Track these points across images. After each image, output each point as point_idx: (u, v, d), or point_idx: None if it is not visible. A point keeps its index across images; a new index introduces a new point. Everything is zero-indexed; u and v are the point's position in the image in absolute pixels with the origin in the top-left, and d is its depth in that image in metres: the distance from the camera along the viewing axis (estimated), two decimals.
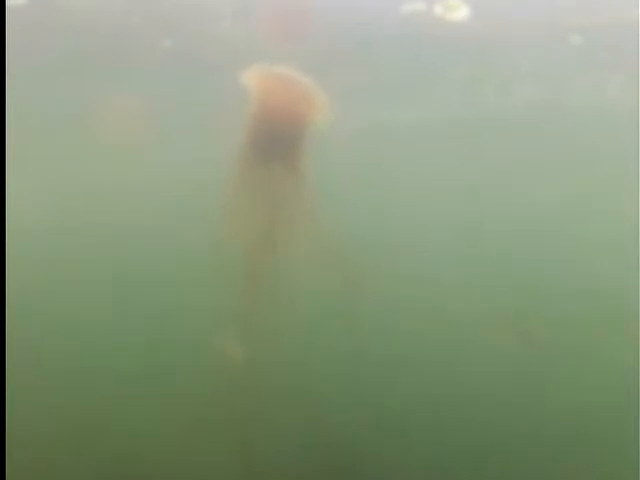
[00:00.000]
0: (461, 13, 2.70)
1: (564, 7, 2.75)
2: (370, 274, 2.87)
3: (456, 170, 2.95)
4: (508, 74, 3.00)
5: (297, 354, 2.99)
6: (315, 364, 3.00)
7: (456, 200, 3.01)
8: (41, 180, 3.10)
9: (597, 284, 3.02)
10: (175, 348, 2.99)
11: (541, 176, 3.01)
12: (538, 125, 2.99)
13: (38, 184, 3.08)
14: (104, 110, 3.04)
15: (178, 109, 3.03)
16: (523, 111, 2.98)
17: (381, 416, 3.06)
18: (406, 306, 3.01)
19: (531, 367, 3.05)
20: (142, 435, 2.95)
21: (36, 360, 3.01)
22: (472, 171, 2.96)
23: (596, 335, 2.95)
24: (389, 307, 3.03)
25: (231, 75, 2.75)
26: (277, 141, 2.71)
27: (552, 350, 3.02)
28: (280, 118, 2.68)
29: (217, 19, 2.96)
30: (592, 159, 3.02)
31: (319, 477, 3.07)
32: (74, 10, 2.96)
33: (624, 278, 2.96)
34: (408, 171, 2.93)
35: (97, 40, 3.00)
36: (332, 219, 2.75)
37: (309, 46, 2.81)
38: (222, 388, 2.82)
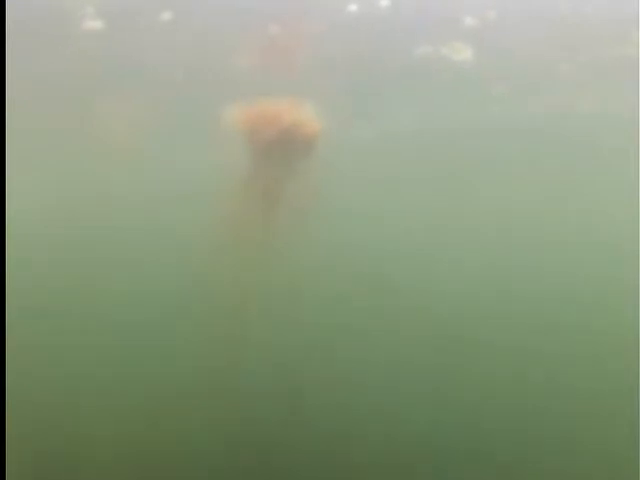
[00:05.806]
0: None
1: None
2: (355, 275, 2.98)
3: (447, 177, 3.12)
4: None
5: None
6: (311, 363, 3.06)
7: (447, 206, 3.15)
8: (43, 184, 3.20)
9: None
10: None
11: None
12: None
13: (39, 188, 3.18)
14: (114, 125, 3.20)
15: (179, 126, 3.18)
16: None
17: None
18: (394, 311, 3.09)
19: (531, 372, 3.11)
20: None
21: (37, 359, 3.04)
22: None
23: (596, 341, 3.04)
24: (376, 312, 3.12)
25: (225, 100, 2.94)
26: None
27: (547, 356, 3.10)
28: (275, 144, 2.86)
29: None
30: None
31: None
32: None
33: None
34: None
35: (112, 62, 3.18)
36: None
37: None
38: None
